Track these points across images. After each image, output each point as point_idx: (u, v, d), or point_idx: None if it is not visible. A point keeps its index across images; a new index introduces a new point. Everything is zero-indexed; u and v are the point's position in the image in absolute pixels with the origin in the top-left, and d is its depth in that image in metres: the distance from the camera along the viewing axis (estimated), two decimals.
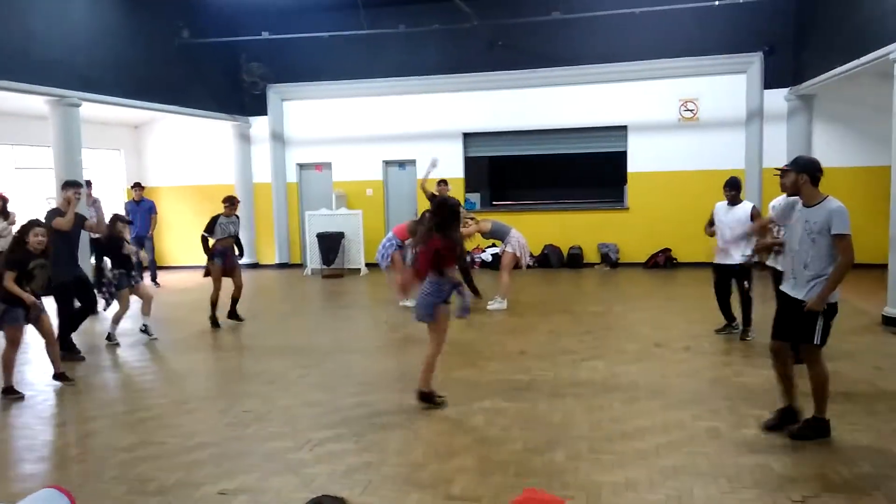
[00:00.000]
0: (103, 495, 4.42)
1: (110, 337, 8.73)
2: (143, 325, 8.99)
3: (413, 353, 7.87)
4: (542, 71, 14.37)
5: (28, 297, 6.51)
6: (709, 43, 13.52)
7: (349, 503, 1.87)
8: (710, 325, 8.34)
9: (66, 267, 7.83)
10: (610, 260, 14.47)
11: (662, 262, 14.14)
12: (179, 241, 16.25)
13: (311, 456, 4.95)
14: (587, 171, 15.96)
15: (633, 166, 14.47)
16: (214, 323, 9.65)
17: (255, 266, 16.14)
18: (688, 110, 14.09)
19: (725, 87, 13.78)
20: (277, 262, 16.14)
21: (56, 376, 6.96)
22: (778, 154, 13.21)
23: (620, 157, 14.62)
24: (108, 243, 8.68)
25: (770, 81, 13.48)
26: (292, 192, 16.19)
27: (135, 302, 9.02)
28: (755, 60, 13.50)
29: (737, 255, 7.64)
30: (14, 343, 6.58)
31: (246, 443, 5.28)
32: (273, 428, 5.57)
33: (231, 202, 9.80)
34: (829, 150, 12.76)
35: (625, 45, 13.81)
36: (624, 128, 14.45)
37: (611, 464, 4.65)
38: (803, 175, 4.90)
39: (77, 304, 8.23)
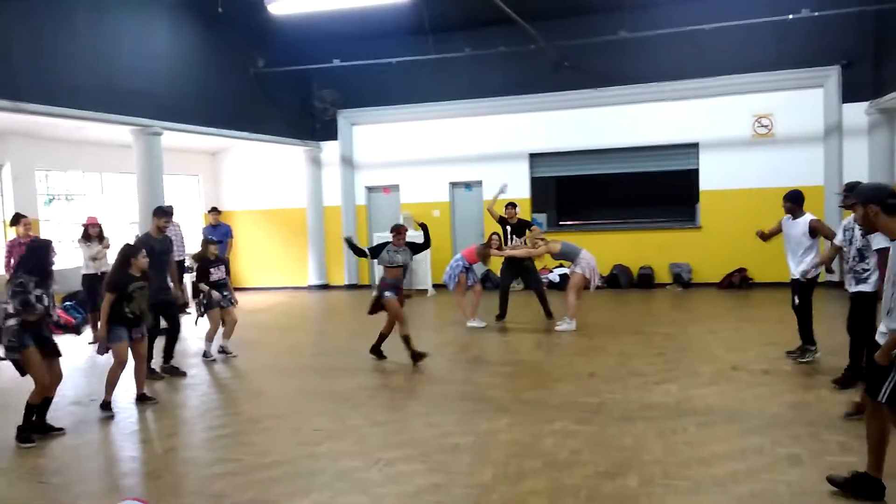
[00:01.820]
0: None
1: (206, 354, 9.11)
2: (221, 346, 9.34)
3: (481, 374, 7.87)
4: (610, 90, 14.25)
5: (101, 330, 6.80)
6: (783, 57, 13.15)
7: None
8: (789, 347, 8.01)
9: (152, 290, 8.14)
10: (682, 280, 14.13)
11: (738, 282, 13.71)
12: (254, 264, 16.73)
13: (381, 476, 4.99)
14: (657, 190, 15.67)
15: (705, 184, 14.14)
16: (416, 356, 8.40)
17: (324, 287, 16.45)
18: (762, 126, 13.71)
19: (802, 102, 13.35)
20: (346, 283, 16.41)
21: (139, 397, 7.24)
22: (860, 169, 12.68)
23: (692, 175, 14.31)
24: (200, 265, 9.08)
25: (848, 95, 12.99)
26: (361, 214, 16.48)
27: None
28: (832, 74, 13.05)
29: (796, 270, 7.40)
30: (120, 360, 6.88)
31: (317, 461, 5.36)
32: (343, 447, 5.65)
33: (398, 231, 8.62)
34: None
35: (694, 61, 13.57)
36: (695, 145, 14.16)
37: (686, 490, 4.52)
38: (871, 206, 4.12)
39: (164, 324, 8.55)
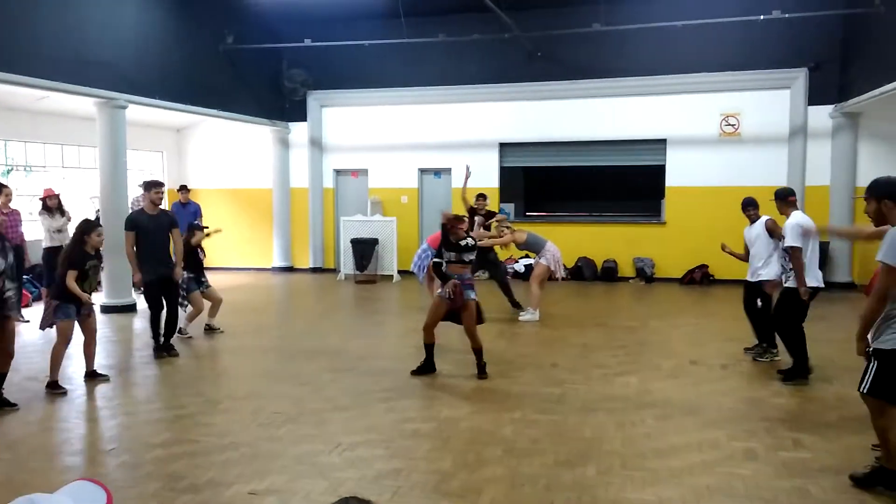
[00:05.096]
0: (137, 490, 4.48)
1: (181, 331, 8.97)
2: (207, 324, 9.35)
3: (445, 362, 7.87)
4: (581, 83, 14.31)
5: (84, 297, 6.68)
6: (752, 58, 13.33)
7: None
8: (747, 344, 8.17)
9: (151, 266, 8.00)
10: (645, 274, 14.31)
11: (699, 278, 13.93)
12: (218, 244, 16.45)
13: (341, 460, 4.97)
14: (624, 184, 15.82)
15: (671, 180, 14.31)
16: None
17: (289, 270, 16.30)
18: (729, 125, 13.90)
19: (768, 103, 13.57)
20: (311, 266, 16.28)
21: (88, 374, 7.10)
22: (822, 172, 12.98)
23: (658, 171, 14.47)
24: (188, 250, 8.91)
25: (814, 98, 13.24)
26: (328, 197, 16.33)
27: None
28: (800, 76, 13.27)
29: (763, 272, 7.56)
30: (64, 338, 6.73)
31: (277, 444, 5.31)
32: (304, 430, 5.61)
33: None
34: (875, 170, 12.41)
35: (666, 58, 13.68)
36: (663, 141, 14.31)
37: (643, 481, 4.58)
38: (886, 201, 4.24)
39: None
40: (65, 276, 6.62)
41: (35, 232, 11.65)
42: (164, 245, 8.26)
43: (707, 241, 13.76)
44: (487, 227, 10.91)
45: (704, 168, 14.00)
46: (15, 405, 6.20)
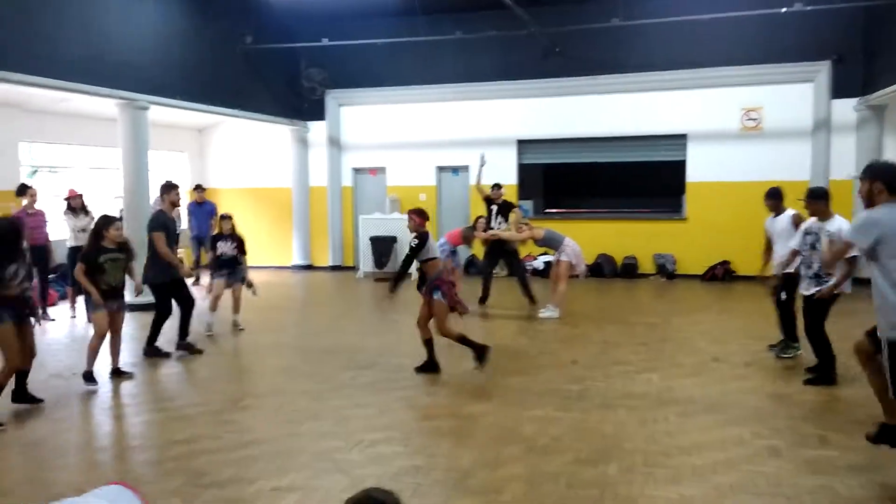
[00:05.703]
0: (160, 486, 4.52)
1: (208, 327, 9.22)
2: (234, 320, 9.51)
3: (463, 359, 7.86)
4: (600, 78, 14.21)
5: (93, 291, 6.74)
6: (774, 51, 13.16)
7: (398, 497, 1.87)
8: (771, 341, 8.07)
9: (166, 268, 8.07)
10: (666, 271, 14.20)
11: (721, 274, 13.79)
12: None
13: (362, 457, 4.99)
14: (644, 180, 15.70)
15: (692, 176, 14.18)
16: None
17: (308, 268, 16.37)
18: (751, 119, 13.74)
19: (791, 97, 13.39)
20: (331, 264, 16.33)
21: (113, 371, 7.19)
22: (846, 166, 12.78)
23: (679, 167, 14.34)
24: (211, 238, 9.37)
25: (838, 91, 13.04)
26: (347, 195, 16.38)
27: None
28: (823, 69, 13.09)
29: (790, 267, 7.26)
30: (100, 332, 6.85)
31: (298, 441, 5.34)
32: (324, 427, 5.63)
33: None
34: None
35: (686, 52, 13.55)
36: (683, 136, 14.18)
37: (665, 479, 4.54)
38: (877, 182, 4.24)
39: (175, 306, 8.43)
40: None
41: (60, 232, 11.80)
42: (175, 247, 8.36)
43: (729, 236, 13.66)
44: (505, 216, 10.88)
45: (726, 163, 13.85)
46: (41, 400, 6.29)
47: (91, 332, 7.08)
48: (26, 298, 6.04)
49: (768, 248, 7.77)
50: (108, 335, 7.10)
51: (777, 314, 7.72)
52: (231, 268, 9.33)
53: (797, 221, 7.21)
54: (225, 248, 9.26)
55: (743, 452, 4.97)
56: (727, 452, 4.97)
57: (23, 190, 10.39)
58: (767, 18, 12.19)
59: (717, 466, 4.73)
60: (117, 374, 7.18)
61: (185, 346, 8.29)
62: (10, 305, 5.87)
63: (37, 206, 10.44)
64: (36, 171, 13.12)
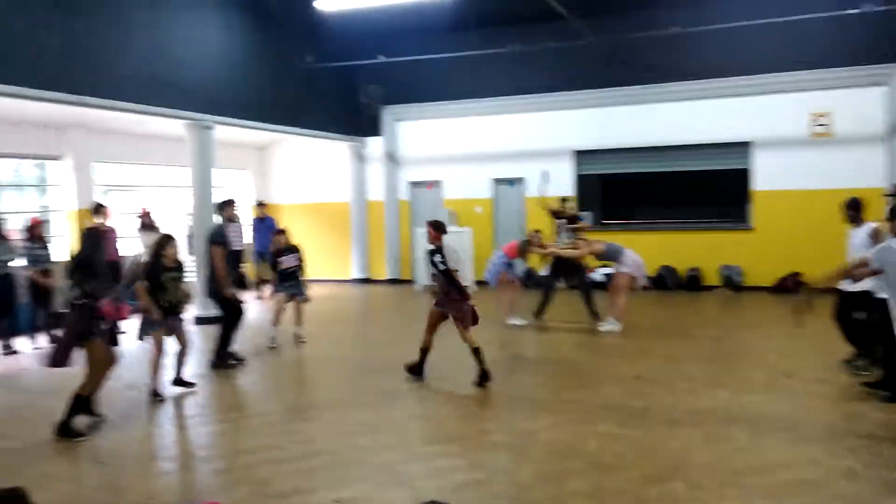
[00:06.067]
0: (226, 495, 4.59)
1: (272, 340, 9.39)
2: (294, 333, 9.63)
3: (521, 373, 7.81)
4: (659, 86, 13.98)
5: (153, 309, 6.89)
6: (843, 54, 12.70)
7: None
8: (845, 356, 7.72)
9: (232, 279, 8.39)
10: (732, 283, 13.80)
11: (792, 286, 13.29)
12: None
13: (422, 469, 4.97)
14: (706, 190, 15.30)
15: (758, 184, 13.77)
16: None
17: (366, 281, 16.53)
18: (820, 125, 13.28)
19: (862, 101, 12.87)
20: (389, 277, 16.45)
21: (176, 381, 7.34)
22: None
23: (743, 175, 13.96)
24: (273, 253, 9.54)
25: None
26: (404, 209, 16.50)
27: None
28: (895, 72, 12.57)
29: (865, 283, 6.69)
30: (158, 348, 7.02)
31: (358, 452, 5.37)
32: (384, 439, 5.65)
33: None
34: None
35: (749, 57, 13.20)
36: (748, 144, 13.80)
37: (735, 498, 4.39)
38: None
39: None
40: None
41: (131, 248, 12.25)
42: (236, 261, 8.56)
43: (800, 246, 13.19)
44: (573, 228, 10.69)
45: (794, 171, 13.40)
46: (101, 415, 6.32)
47: (150, 350, 7.15)
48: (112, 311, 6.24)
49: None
50: (177, 347, 7.26)
51: (841, 331, 7.34)
52: (293, 280, 9.48)
53: (875, 236, 6.75)
54: (289, 261, 9.44)
55: (817, 473, 4.76)
56: (800, 473, 4.77)
57: (98, 209, 10.84)
58: (836, 20, 11.78)
59: (789, 487, 4.54)
60: (180, 383, 7.34)
61: (227, 356, 8.41)
62: (102, 320, 6.07)
63: (109, 223, 10.86)
64: (109, 191, 13.64)
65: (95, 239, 6.23)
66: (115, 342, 6.38)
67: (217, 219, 12.14)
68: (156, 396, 6.97)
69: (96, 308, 6.00)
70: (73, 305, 5.94)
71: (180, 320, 7.24)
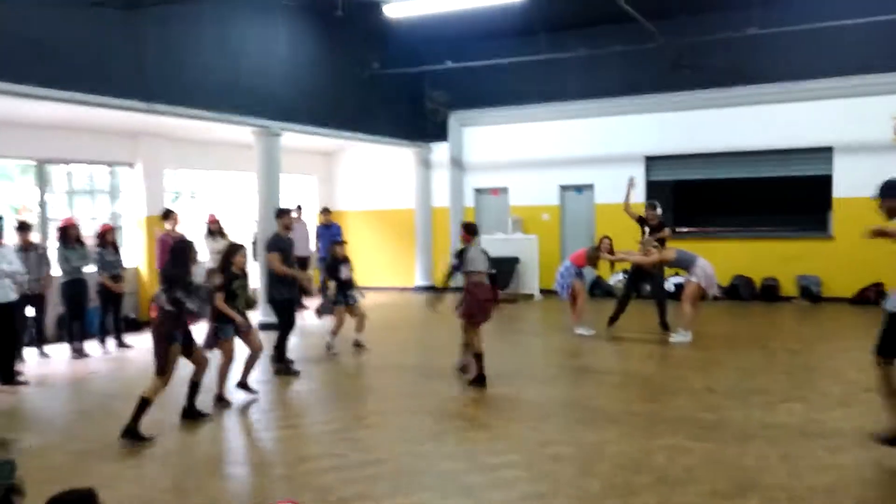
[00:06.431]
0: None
1: (329, 347, 9.48)
2: (355, 339, 9.66)
3: (588, 383, 7.64)
4: (733, 90, 13.54)
5: (237, 316, 7.03)
6: None
7: None
8: None
9: (287, 286, 8.47)
10: (810, 293, 13.21)
11: (873, 297, 12.64)
12: (363, 264, 17.05)
13: (485, 479, 4.89)
14: (783, 197, 14.71)
15: (839, 191, 13.17)
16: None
17: (430, 289, 16.52)
18: None
19: None
20: (453, 285, 16.40)
21: (240, 384, 7.42)
22: None
23: (824, 181, 13.37)
24: (331, 264, 9.57)
25: None
26: (469, 216, 16.44)
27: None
28: None
29: None
30: (228, 356, 7.12)
31: (421, 461, 5.33)
32: (447, 448, 5.60)
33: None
34: None
35: (829, 60, 12.65)
36: (829, 149, 13.22)
37: None
38: None
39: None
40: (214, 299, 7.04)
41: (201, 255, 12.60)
42: (291, 267, 8.65)
43: (882, 256, 12.47)
44: (658, 238, 10.33)
45: (878, 177, 12.50)
46: (208, 415, 6.61)
47: (220, 357, 7.19)
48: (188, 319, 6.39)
49: None
50: (249, 353, 7.36)
51: None
52: (351, 289, 9.56)
53: None
54: (346, 272, 9.51)
55: None
56: (881, 491, 4.50)
57: (167, 214, 11.18)
58: None
59: None
60: (244, 387, 7.42)
61: (283, 367, 8.47)
62: (181, 327, 6.23)
63: (178, 229, 11.18)
64: (178, 197, 14.09)
65: (182, 252, 6.36)
66: (193, 344, 6.51)
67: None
68: (221, 402, 7.07)
69: (180, 317, 6.15)
70: (161, 309, 6.13)
71: (250, 326, 7.36)
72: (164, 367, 6.06)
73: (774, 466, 5.00)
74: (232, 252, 7.23)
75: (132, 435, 5.94)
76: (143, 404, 6.04)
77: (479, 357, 7.59)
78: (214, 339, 7.06)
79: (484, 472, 5.04)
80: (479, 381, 7.49)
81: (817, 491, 4.55)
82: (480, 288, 7.65)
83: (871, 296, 12.68)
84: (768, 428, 5.86)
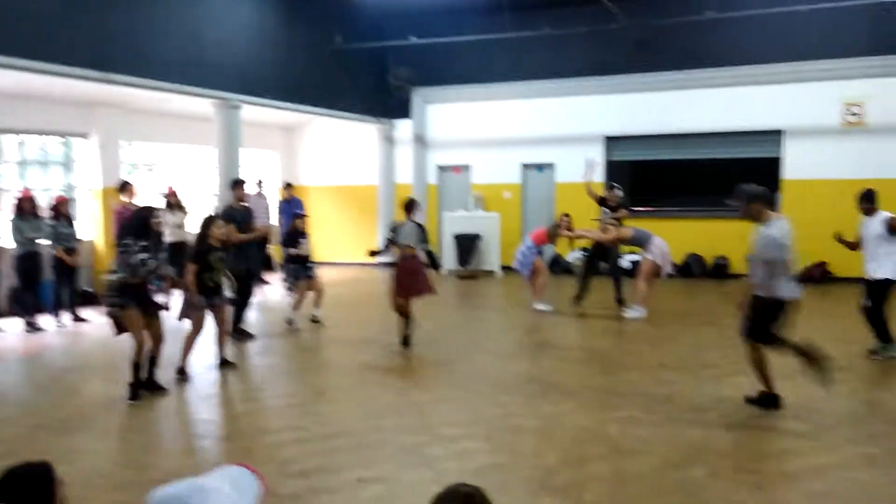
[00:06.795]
0: None
1: (290, 322, 9.48)
2: (313, 315, 9.68)
3: (546, 358, 7.83)
4: (691, 72, 13.80)
5: (194, 291, 6.94)
6: (878, 42, 12.42)
7: (485, 492, 1.89)
8: (869, 345, 7.64)
9: (241, 259, 8.52)
10: None
11: (818, 276, 13.14)
12: (324, 239, 17.01)
13: (445, 451, 5.04)
14: (736, 178, 14.93)
15: (789, 173, 13.58)
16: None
17: (393, 265, 16.56)
18: (853, 114, 13.03)
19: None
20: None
21: (222, 362, 7.44)
22: None
23: (773, 164, 13.76)
24: (290, 235, 9.60)
25: None
26: (432, 193, 16.52)
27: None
28: None
29: (879, 272, 7.31)
30: (197, 327, 7.07)
31: (381, 434, 5.45)
32: (407, 421, 5.72)
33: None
34: None
35: (782, 44, 12.98)
36: (779, 132, 13.59)
37: (754, 484, 4.39)
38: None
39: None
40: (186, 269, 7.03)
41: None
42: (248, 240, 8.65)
43: (827, 237, 12.92)
44: (616, 217, 10.52)
45: (825, 160, 13.19)
46: (165, 390, 6.58)
47: (187, 328, 7.19)
48: (148, 288, 6.40)
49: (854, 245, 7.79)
50: (216, 328, 7.36)
51: (866, 320, 7.50)
52: (308, 264, 9.59)
53: (893, 224, 7.19)
54: (305, 245, 9.54)
55: (836, 459, 4.75)
56: (819, 459, 4.77)
57: (124, 187, 10.99)
58: (871, 8, 11.55)
59: (808, 473, 4.54)
60: (225, 364, 7.43)
61: (239, 331, 8.65)
62: (134, 294, 6.24)
63: (135, 202, 11.01)
64: (134, 169, 13.83)
65: (141, 217, 6.36)
66: (155, 314, 6.50)
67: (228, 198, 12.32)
68: (181, 375, 7.02)
69: (135, 283, 6.23)
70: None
71: (222, 300, 7.35)
72: (121, 331, 6.21)
73: (721, 437, 5.25)
74: (208, 224, 7.17)
75: (132, 396, 6.24)
76: (135, 367, 6.27)
77: (407, 320, 8.19)
78: (187, 310, 7.03)
79: (444, 444, 5.18)
80: (405, 342, 8.19)
81: (759, 460, 4.80)
82: (408, 261, 8.19)
83: (815, 274, 13.17)
84: (717, 401, 6.13)
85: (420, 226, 8.28)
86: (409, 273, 8.16)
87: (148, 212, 6.46)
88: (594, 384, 6.73)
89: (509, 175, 15.71)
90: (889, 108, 12.73)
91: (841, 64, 12.83)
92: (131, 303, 6.23)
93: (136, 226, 6.33)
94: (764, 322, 5.83)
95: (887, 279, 7.25)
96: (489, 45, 14.32)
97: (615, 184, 11.11)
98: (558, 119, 15.09)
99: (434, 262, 8.56)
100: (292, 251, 9.47)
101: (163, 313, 6.72)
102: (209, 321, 7.19)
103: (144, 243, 6.24)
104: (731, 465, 4.70)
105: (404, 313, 8.25)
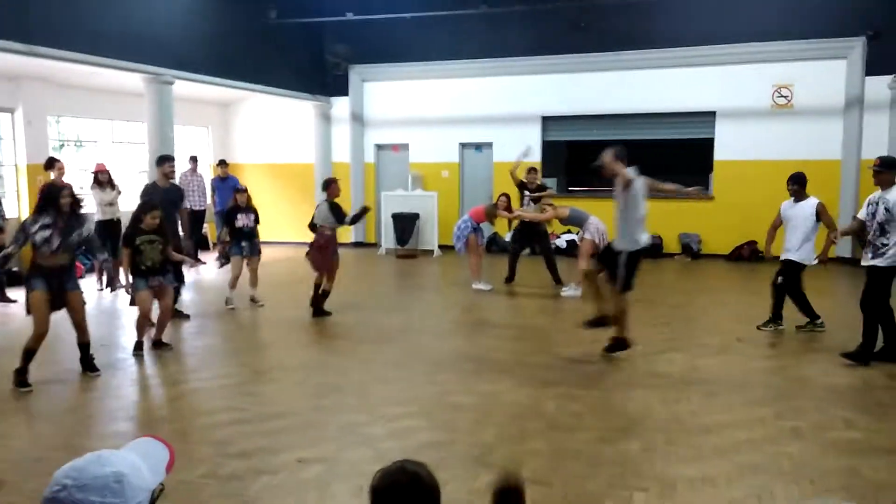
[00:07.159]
0: (188, 456, 4.59)
1: (228, 301, 9.33)
2: (250, 296, 9.52)
3: (484, 336, 7.89)
4: (627, 53, 14.01)
5: (128, 273, 7.04)
6: (806, 26, 12.86)
7: (430, 469, 1.88)
8: (798, 321, 7.97)
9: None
10: (691, 251, 14.07)
11: (747, 254, 13.63)
12: (261, 218, 16.66)
13: (385, 430, 5.03)
14: (670, 158, 15.40)
15: (720, 154, 13.98)
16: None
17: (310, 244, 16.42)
18: (781, 97, 13.49)
19: (823, 73, 13.09)
20: (353, 240, 16.38)
21: (155, 343, 7.32)
22: (878, 145, 12.49)
23: (706, 145, 14.14)
24: (226, 214, 9.51)
25: (873, 68, 12.73)
26: (369, 172, 16.38)
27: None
28: (857, 45, 12.77)
29: (796, 254, 7.61)
30: (143, 310, 7.05)
31: (322, 414, 5.41)
32: (348, 401, 5.70)
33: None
34: None
35: (715, 27, 13.29)
36: (712, 114, 13.96)
37: (687, 457, 4.54)
38: None
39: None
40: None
41: (88, 206, 11.94)
42: (174, 219, 8.44)
43: (757, 216, 13.43)
44: (537, 201, 10.80)
45: (755, 141, 13.62)
46: (98, 372, 6.42)
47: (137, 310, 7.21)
48: (64, 268, 6.15)
49: (774, 228, 8.04)
50: (158, 310, 7.24)
51: (792, 300, 7.80)
52: (249, 241, 9.39)
53: (821, 210, 7.47)
54: (245, 220, 9.36)
55: (766, 433, 4.95)
56: (750, 432, 4.95)
57: (51, 164, 10.51)
58: None
59: (739, 446, 4.71)
60: (159, 345, 7.31)
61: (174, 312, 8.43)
62: (43, 274, 6.00)
63: (64, 179, 10.55)
64: (63, 145, 13.26)
65: (48, 195, 6.13)
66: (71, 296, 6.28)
67: (186, 176, 11.97)
68: (137, 350, 7.07)
69: (37, 264, 6.07)
70: None
71: (162, 282, 7.21)
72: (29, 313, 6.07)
73: (655, 411, 5.40)
74: (144, 210, 7.12)
75: (20, 383, 5.96)
76: (27, 354, 6.00)
77: (322, 293, 8.78)
78: (132, 291, 7.09)
79: (384, 422, 5.17)
80: (318, 312, 8.78)
81: (691, 433, 4.96)
82: (321, 237, 8.83)
83: (744, 253, 13.66)
84: (651, 376, 6.30)
85: (334, 204, 8.75)
86: (320, 248, 8.81)
87: (55, 188, 6.24)
88: (531, 361, 6.82)
89: (448, 154, 15.69)
90: (815, 92, 13.21)
91: (771, 47, 13.22)
92: (38, 285, 6.00)
93: (40, 203, 6.11)
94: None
95: (802, 262, 7.61)
96: (427, 23, 14.20)
97: (535, 167, 11.45)
98: (496, 98, 15.12)
99: (354, 220, 9.24)
100: (232, 226, 9.31)
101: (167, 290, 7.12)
102: (153, 302, 7.14)
103: (47, 221, 5.98)
104: (666, 439, 4.84)
105: (317, 285, 8.88)
